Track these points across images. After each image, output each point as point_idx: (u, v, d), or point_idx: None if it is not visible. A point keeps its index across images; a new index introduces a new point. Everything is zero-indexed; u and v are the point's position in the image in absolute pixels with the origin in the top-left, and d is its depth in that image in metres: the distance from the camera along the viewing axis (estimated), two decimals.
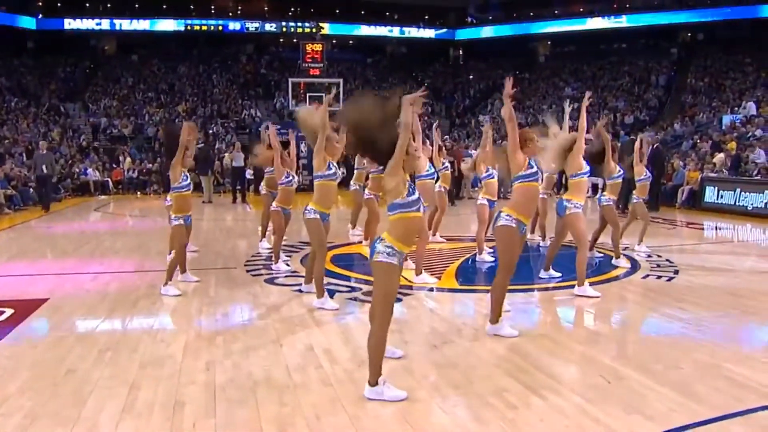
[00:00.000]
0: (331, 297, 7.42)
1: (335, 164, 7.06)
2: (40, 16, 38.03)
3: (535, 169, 6.04)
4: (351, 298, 7.42)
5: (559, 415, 4.28)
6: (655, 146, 18.41)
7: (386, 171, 4.48)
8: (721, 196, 17.21)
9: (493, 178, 9.67)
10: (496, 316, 5.98)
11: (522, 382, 4.83)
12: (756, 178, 17.43)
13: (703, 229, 14.41)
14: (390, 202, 4.54)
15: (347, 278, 8.54)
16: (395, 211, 4.51)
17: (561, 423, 4.17)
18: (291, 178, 9.21)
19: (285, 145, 10.01)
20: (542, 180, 7.57)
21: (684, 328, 6.38)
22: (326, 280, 8.26)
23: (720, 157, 19.64)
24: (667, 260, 9.77)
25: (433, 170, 9.80)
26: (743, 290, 7.94)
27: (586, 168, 7.82)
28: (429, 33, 43.92)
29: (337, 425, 4.15)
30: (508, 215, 5.92)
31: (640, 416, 4.24)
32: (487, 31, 43.49)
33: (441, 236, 11.70)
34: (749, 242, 13.35)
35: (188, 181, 8.08)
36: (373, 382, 4.51)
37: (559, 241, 8.28)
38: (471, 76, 43.71)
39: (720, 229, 14.65)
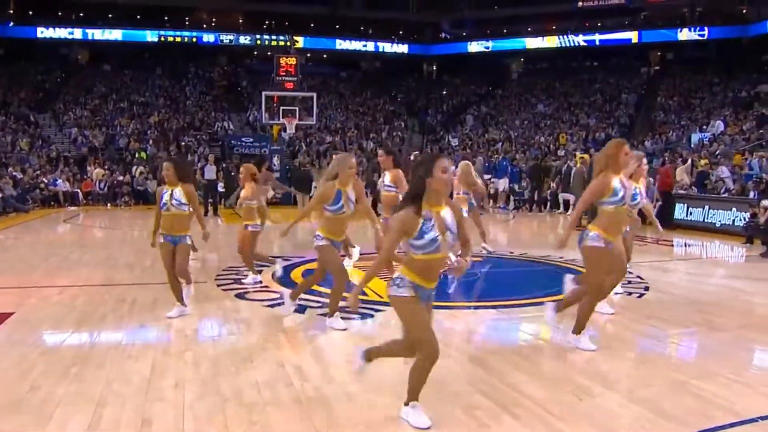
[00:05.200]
0: (302, 312, 7.39)
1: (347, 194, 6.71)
2: (11, 23, 37.61)
3: (621, 194, 5.92)
4: (322, 314, 7.36)
5: None
6: None
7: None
8: (691, 213, 17.44)
9: None
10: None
11: (493, 399, 4.82)
12: (724, 195, 17.70)
13: (672, 245, 14.56)
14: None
15: (318, 293, 8.48)
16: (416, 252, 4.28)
17: None
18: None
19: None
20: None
21: (653, 345, 6.43)
22: None
23: (683, 168, 19.87)
24: (638, 277, 9.84)
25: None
26: (711, 307, 8.02)
27: None
28: (403, 48, 44.11)
29: None
30: (596, 234, 5.95)
31: None
32: (461, 47, 43.80)
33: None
34: (717, 259, 13.53)
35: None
36: (407, 402, 4.44)
37: None
38: (445, 92, 44.00)
39: (689, 245, 14.82)
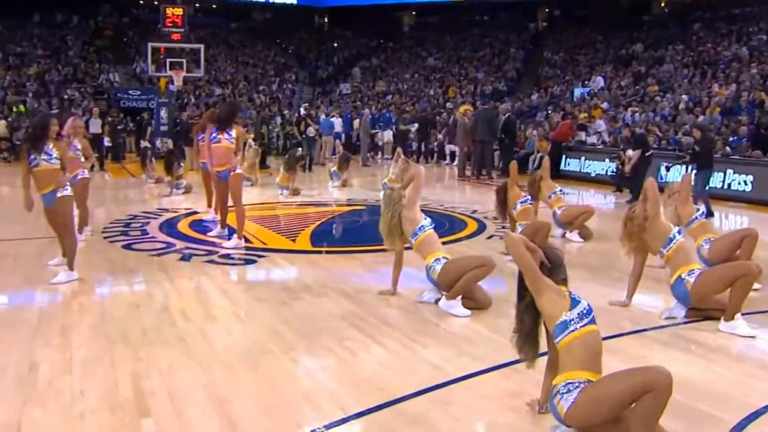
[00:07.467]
0: (188, 260, 7.63)
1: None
2: None
3: None
4: (208, 261, 7.64)
5: (396, 359, 4.74)
6: (507, 116, 19.42)
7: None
8: (568, 164, 18.42)
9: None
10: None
11: (363, 331, 5.27)
12: (599, 147, 18.77)
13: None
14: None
15: (204, 242, 8.70)
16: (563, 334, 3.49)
17: (397, 365, 4.63)
18: None
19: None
20: None
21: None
22: (183, 244, 8.48)
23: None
24: None
25: None
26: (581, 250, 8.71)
27: None
28: None
29: (188, 376, 4.40)
30: None
31: (469, 357, 4.75)
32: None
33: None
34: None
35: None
36: None
37: None
38: (335, 44, 43.84)
39: (565, 193, 15.62)
